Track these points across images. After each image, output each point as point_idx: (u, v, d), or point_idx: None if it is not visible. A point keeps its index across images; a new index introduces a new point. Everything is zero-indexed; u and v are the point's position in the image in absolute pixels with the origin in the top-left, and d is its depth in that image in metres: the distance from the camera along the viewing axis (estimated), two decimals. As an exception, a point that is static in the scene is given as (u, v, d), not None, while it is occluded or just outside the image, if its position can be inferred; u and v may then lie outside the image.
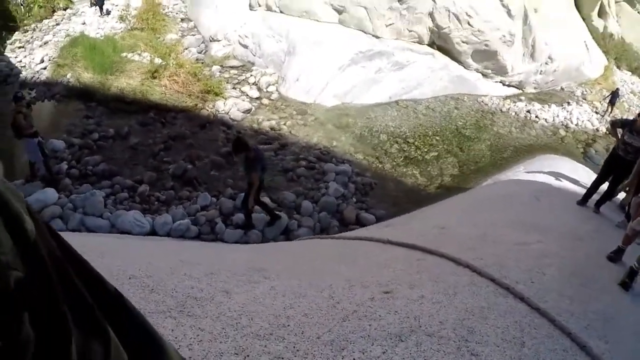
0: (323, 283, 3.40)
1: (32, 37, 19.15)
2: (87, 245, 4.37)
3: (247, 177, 8.32)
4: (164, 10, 22.74)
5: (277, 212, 9.47)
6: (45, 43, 18.40)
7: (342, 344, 2.51)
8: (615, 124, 8.46)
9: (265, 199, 10.29)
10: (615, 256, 5.69)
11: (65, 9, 22.29)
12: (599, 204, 8.34)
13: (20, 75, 16.08)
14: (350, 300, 3.09)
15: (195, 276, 3.39)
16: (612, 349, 3.32)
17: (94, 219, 8.95)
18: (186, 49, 19.07)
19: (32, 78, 15.98)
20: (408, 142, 15.10)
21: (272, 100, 16.32)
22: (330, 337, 2.58)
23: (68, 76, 15.55)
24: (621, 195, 9.51)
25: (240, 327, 2.61)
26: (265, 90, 16.74)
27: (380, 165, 13.63)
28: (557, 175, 10.73)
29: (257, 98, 16.25)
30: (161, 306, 2.83)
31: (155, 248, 5.64)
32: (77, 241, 4.38)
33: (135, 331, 0.95)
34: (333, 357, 2.37)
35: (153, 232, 8.86)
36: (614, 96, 19.85)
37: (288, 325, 2.67)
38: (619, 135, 8.04)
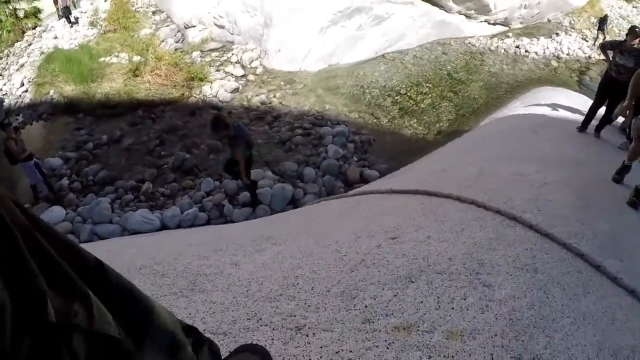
0: (329, 239, 3.38)
1: (7, 64, 18.94)
2: (96, 251, 4.37)
3: (232, 155, 8.21)
4: (133, 7, 22.45)
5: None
6: (22, 66, 18.20)
7: (352, 292, 2.52)
8: (605, 47, 8.55)
9: (268, 172, 10.29)
10: (619, 176, 5.63)
11: (34, 28, 22.02)
12: (598, 128, 8.39)
13: (4, 103, 15.88)
14: (357, 251, 3.08)
15: (203, 254, 3.40)
16: (627, 268, 3.31)
17: (104, 226, 9.01)
18: (163, 41, 18.87)
19: (16, 104, 15.82)
20: (401, 93, 15.01)
21: (258, 75, 16.19)
22: (340, 288, 2.58)
23: (51, 93, 15.45)
24: (621, 118, 9.49)
25: (251, 293, 2.62)
26: (249, 66, 16.60)
27: (376, 121, 13.58)
28: (554, 106, 10.69)
29: (242, 76, 16.12)
30: (173, 288, 2.86)
31: (164, 239, 5.66)
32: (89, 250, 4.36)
33: (120, 295, 0.98)
34: (345, 307, 2.38)
35: (164, 227, 8.92)
36: (603, 22, 19.65)
37: (297, 284, 2.67)
38: (611, 58, 8.10)
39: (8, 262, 0.66)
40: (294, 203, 9.38)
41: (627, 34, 7.95)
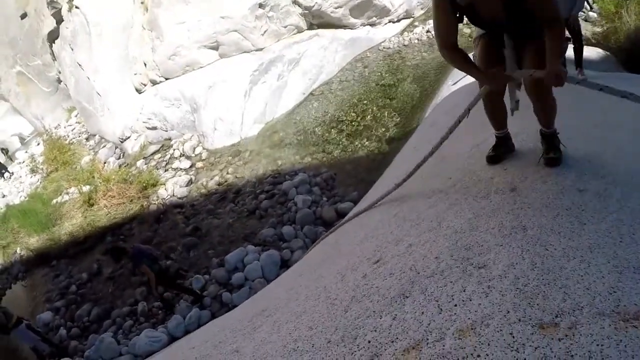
0: (317, 290, 3.34)
1: (-38, 237, 18.61)
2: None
3: (140, 274, 9.14)
4: (66, 140, 22.53)
5: (197, 292, 9.82)
6: (-21, 236, 17.90)
7: (352, 333, 2.45)
8: None
9: (249, 247, 10.29)
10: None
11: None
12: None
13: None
14: (346, 290, 3.02)
15: (205, 353, 3.35)
16: (611, 182, 3.20)
17: (116, 360, 8.82)
18: (105, 162, 18.86)
19: (-13, 275, 15.49)
20: (341, 121, 15.17)
21: (204, 159, 16.18)
22: (339, 334, 2.51)
23: (18, 251, 15.33)
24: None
25: None
26: (193, 155, 16.61)
27: (330, 156, 13.68)
28: (483, 69, 10.87)
29: (190, 166, 16.11)
30: (182, 398, 2.82)
31: (169, 352, 5.61)
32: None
33: None
34: (349, 351, 2.30)
35: (173, 339, 8.73)
36: None
37: (297, 348, 2.60)
38: None
39: None
40: (286, 265, 9.33)
41: None
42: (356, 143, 13.87)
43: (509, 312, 2.12)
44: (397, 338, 2.24)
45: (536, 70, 3.12)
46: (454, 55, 3.39)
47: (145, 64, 18.26)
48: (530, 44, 3.34)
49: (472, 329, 2.10)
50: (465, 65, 3.49)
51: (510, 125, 4.10)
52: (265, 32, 17.54)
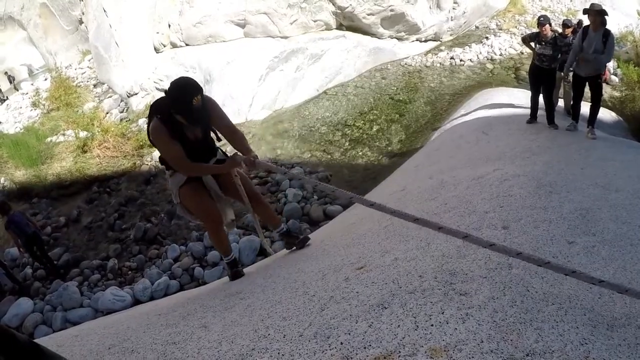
0: (296, 283, 3.34)
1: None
2: (63, 337, 4.30)
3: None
4: (74, 82, 22.35)
5: (58, 271, 10.40)
6: (-33, 157, 17.69)
7: (325, 332, 2.45)
8: (525, 40, 9.23)
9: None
10: None
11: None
12: (550, 119, 8.83)
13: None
14: (325, 289, 3.04)
15: (171, 323, 3.33)
16: (600, 240, 3.31)
17: (75, 311, 8.74)
18: (107, 112, 18.72)
19: (-35, 200, 15.34)
20: (348, 125, 15.15)
21: (206, 132, 16.10)
22: (312, 330, 2.51)
23: (1, 181, 15.06)
24: (561, 102, 9.98)
25: (222, 353, 2.54)
26: (196, 125, 16.52)
27: (329, 157, 13.63)
28: (498, 106, 10.92)
29: (190, 135, 16.02)
30: (143, 363, 2.79)
31: (133, 314, 5.56)
32: (53, 340, 4.29)
33: None
34: (320, 349, 2.31)
35: (137, 302, 8.66)
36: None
37: (268, 335, 2.60)
38: (534, 48, 8.82)
39: None
40: (263, 254, 9.25)
41: (537, 25, 8.71)
42: (357, 150, 13.85)
43: (482, 341, 2.14)
44: (370, 345, 2.24)
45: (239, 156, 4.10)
46: (190, 163, 4.04)
47: (169, 25, 18.17)
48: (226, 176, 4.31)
49: (445, 350, 2.11)
50: (203, 166, 4.25)
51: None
52: (294, 21, 17.52)
